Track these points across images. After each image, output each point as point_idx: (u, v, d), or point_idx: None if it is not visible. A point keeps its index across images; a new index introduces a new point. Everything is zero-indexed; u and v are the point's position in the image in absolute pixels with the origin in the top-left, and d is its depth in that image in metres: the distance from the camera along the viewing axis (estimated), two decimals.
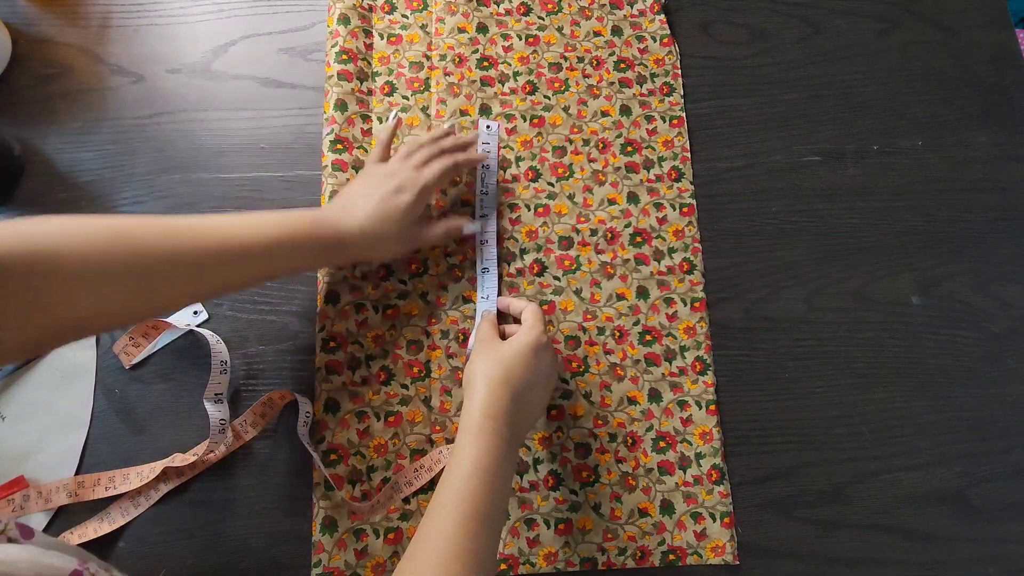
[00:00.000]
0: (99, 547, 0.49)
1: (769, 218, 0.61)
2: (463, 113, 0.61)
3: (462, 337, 0.55)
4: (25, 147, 0.59)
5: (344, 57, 0.60)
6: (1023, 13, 1.01)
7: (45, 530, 0.50)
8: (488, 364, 0.46)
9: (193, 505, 0.51)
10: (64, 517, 0.50)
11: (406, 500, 0.51)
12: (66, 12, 0.63)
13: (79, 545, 0.49)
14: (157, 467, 0.50)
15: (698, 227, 0.60)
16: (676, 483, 0.54)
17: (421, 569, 0.38)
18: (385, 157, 0.55)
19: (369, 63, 0.62)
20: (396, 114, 0.57)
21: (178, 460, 0.51)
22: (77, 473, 0.51)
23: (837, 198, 0.62)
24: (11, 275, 0.35)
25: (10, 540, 0.30)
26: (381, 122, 0.60)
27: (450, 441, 0.53)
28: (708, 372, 0.56)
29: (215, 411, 0.50)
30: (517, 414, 0.45)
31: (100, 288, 0.39)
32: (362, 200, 0.50)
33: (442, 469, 0.51)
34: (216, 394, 0.51)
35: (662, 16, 0.66)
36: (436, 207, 0.59)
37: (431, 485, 0.52)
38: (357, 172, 0.58)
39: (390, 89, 0.61)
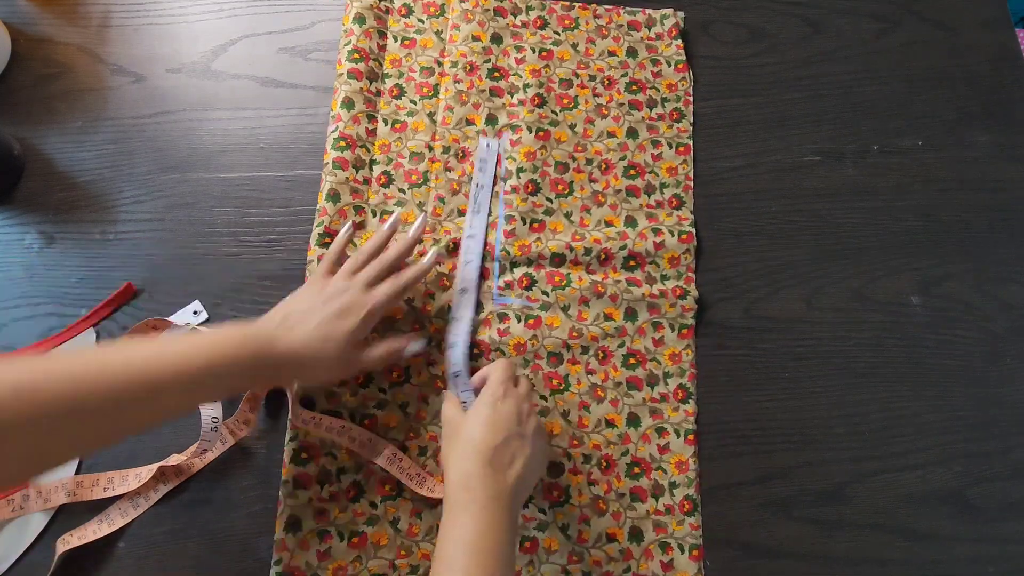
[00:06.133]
0: (99, 548, 0.49)
1: (769, 218, 0.61)
2: (469, 122, 0.60)
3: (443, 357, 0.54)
4: (25, 147, 0.59)
5: (356, 56, 0.60)
6: (1023, 13, 1.01)
7: (45, 530, 0.49)
8: (451, 441, 0.46)
9: (193, 505, 0.51)
10: (64, 518, 0.50)
11: (372, 505, 0.51)
12: (66, 12, 0.63)
13: (78, 548, 0.49)
14: (153, 468, 0.50)
15: (694, 256, 0.59)
16: (647, 511, 0.53)
17: None
18: (333, 271, 0.51)
19: (380, 64, 0.61)
20: (349, 226, 0.54)
21: (173, 460, 0.51)
22: (76, 473, 0.51)
23: (837, 198, 0.62)
24: None
25: None
26: (386, 124, 0.60)
27: (423, 449, 0.52)
28: (690, 401, 0.55)
29: (207, 410, 0.50)
30: (495, 476, 0.43)
31: None
32: (301, 319, 0.47)
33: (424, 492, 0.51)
34: None
35: (679, 41, 0.65)
36: (433, 214, 0.57)
37: (399, 492, 0.51)
38: (357, 171, 0.58)
39: (399, 92, 0.61)
